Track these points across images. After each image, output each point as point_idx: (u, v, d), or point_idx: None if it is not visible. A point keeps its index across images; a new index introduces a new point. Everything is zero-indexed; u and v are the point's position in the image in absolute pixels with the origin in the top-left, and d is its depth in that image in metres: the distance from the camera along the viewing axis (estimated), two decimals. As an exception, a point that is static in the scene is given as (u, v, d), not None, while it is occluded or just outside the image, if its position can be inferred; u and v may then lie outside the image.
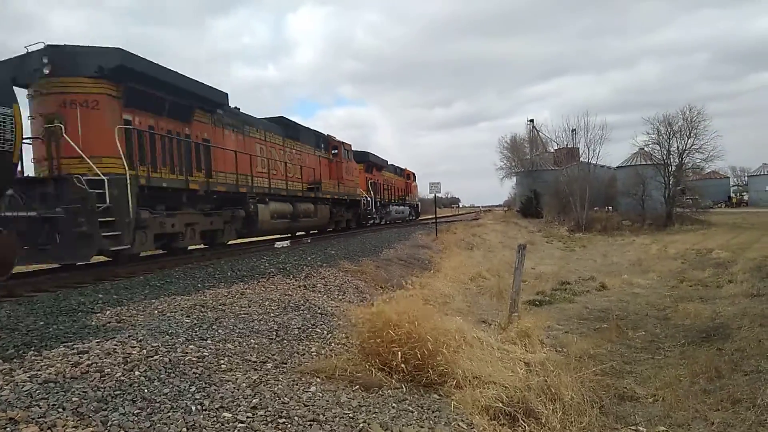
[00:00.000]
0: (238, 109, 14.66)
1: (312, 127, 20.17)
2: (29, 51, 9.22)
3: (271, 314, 6.63)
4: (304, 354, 5.52)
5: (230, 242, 14.14)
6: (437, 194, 28.13)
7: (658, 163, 39.95)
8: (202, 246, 12.08)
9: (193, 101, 11.68)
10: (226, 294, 7.13)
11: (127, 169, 9.35)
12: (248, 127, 14.61)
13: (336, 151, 21.40)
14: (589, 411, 5.24)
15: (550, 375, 5.70)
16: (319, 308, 7.37)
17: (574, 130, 45.94)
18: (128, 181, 9.31)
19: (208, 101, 12.32)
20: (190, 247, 11.13)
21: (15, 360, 4.11)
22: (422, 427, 4.28)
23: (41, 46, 9.13)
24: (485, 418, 4.72)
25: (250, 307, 6.71)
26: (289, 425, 3.82)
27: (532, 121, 65.83)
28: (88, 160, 8.81)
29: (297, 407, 4.16)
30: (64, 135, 8.84)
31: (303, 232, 19.85)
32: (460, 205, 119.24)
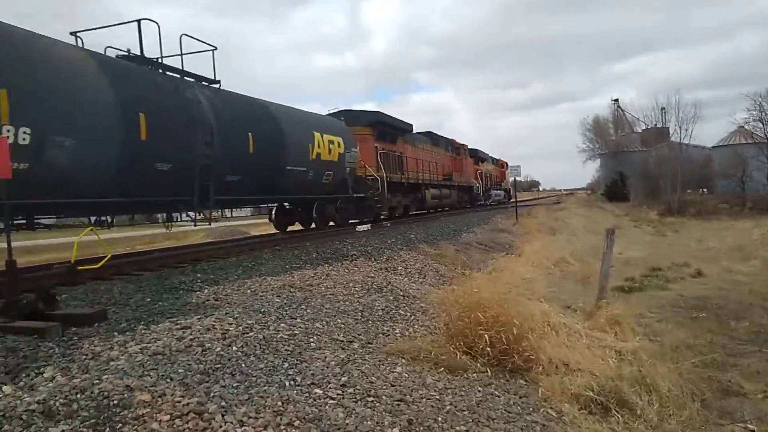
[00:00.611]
0: None
1: (443, 134, 27.92)
2: (331, 112, 17.32)
3: (356, 295, 6.77)
4: (388, 335, 5.60)
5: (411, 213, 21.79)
6: (517, 178, 27.46)
7: (761, 141, 36.55)
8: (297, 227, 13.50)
9: (397, 131, 19.61)
10: (312, 275, 7.36)
11: (383, 172, 16.74)
12: (416, 141, 22.11)
13: (458, 150, 28.49)
14: (690, 404, 4.95)
15: (644, 365, 5.42)
16: (401, 290, 7.44)
17: (664, 108, 43.15)
18: (384, 179, 16.63)
19: (403, 130, 20.23)
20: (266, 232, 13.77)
21: (128, 333, 4.45)
22: (510, 413, 4.23)
23: (335, 110, 17.56)
24: (575, 407, 4.59)
25: (335, 288, 6.89)
26: (377, 404, 3.90)
27: (616, 100, 62.29)
28: (370, 169, 16.23)
29: (384, 387, 4.23)
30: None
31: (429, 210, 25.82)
32: (540, 189, 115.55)
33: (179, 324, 4.66)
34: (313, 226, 14.65)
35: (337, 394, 3.89)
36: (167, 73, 9.10)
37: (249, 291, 6.27)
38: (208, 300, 5.80)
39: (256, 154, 10.22)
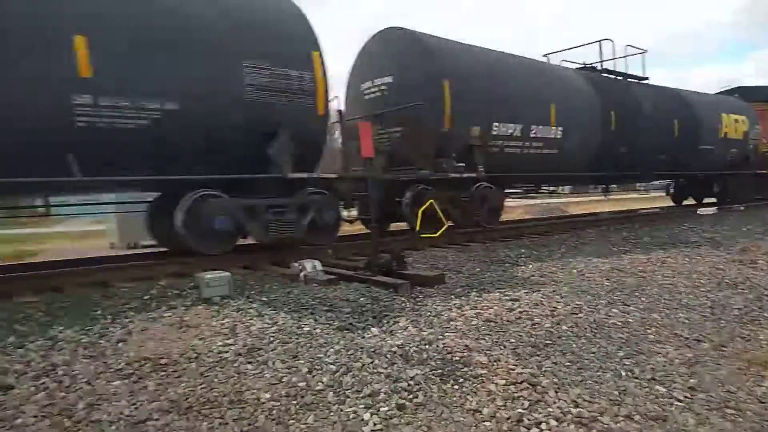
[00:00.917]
0: None
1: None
2: (724, 89, 18.38)
3: (701, 289, 5.82)
4: (749, 340, 4.62)
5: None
6: None
7: None
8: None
9: None
10: (644, 261, 6.65)
11: None
12: None
13: None
14: None
15: None
16: (765, 289, 6.07)
17: None
18: None
19: None
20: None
21: (463, 297, 4.81)
22: None
23: (727, 87, 18.45)
24: None
25: (674, 277, 6.06)
26: (739, 419, 3.25)
27: None
28: None
29: (748, 401, 3.50)
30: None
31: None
32: None
33: (508, 295, 4.79)
34: (708, 200, 15.46)
35: (685, 397, 3.39)
36: (617, 78, 12.33)
37: (574, 271, 6.04)
38: (533, 275, 5.83)
39: (679, 137, 12.92)
